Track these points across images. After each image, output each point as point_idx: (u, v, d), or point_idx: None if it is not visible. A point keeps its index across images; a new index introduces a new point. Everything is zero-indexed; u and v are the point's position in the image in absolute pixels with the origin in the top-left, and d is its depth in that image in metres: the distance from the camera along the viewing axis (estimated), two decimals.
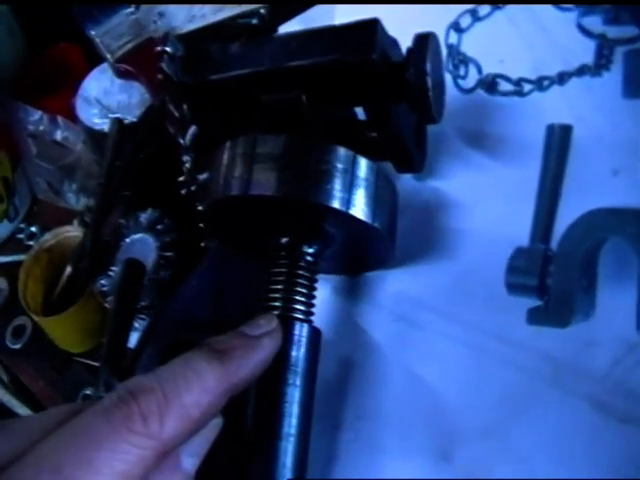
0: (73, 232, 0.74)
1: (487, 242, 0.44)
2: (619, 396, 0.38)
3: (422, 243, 0.45)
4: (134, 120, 0.69)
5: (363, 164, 0.39)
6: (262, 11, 0.73)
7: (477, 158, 0.47)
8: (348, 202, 0.38)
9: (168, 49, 0.42)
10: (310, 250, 0.41)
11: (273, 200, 0.38)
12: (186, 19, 0.81)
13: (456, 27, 0.50)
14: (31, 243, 0.79)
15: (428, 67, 0.39)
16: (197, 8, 0.81)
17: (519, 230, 0.43)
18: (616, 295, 0.40)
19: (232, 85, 0.42)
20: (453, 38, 0.50)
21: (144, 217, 0.68)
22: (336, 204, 0.38)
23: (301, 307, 0.40)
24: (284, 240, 0.41)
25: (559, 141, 0.44)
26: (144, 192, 0.72)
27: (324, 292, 0.46)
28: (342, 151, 0.38)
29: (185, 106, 0.46)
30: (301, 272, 0.40)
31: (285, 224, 0.41)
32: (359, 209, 0.38)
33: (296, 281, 0.40)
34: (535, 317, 0.40)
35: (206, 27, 0.79)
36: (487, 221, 0.44)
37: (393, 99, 0.40)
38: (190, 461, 0.32)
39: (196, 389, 0.32)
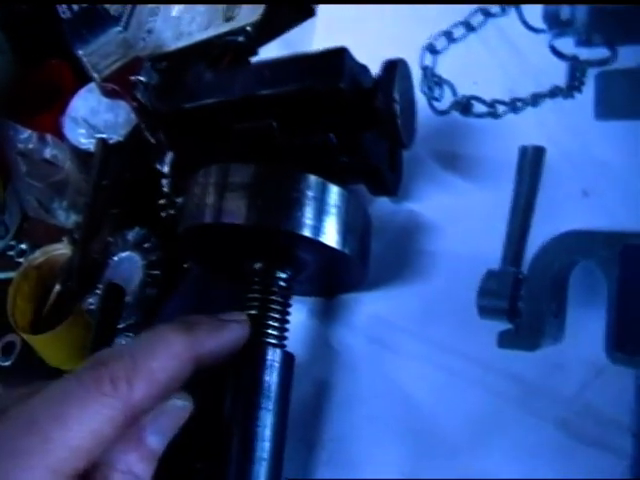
0: (62, 250, 0.75)
1: (459, 264, 0.44)
2: (588, 419, 0.38)
3: (396, 265, 0.46)
4: (120, 139, 0.70)
5: (333, 191, 0.39)
6: (248, 29, 0.74)
7: (451, 180, 0.47)
8: (318, 230, 0.38)
9: (142, 78, 0.42)
10: (283, 275, 0.42)
11: (244, 228, 0.39)
12: (174, 36, 0.82)
13: (431, 49, 0.50)
14: (21, 260, 0.80)
15: (396, 94, 0.39)
16: (185, 25, 0.82)
17: (491, 252, 0.43)
18: (585, 319, 0.40)
19: (204, 113, 0.43)
20: (428, 60, 0.50)
21: (131, 235, 0.69)
22: (306, 232, 0.38)
23: (274, 332, 0.40)
24: (257, 266, 0.41)
25: (531, 162, 0.45)
26: (131, 210, 0.73)
27: (300, 315, 0.46)
28: (312, 179, 0.39)
29: (161, 132, 0.47)
30: (274, 297, 0.41)
31: (258, 250, 0.41)
32: (329, 236, 0.39)
33: (269, 306, 0.41)
34: (505, 340, 0.41)
35: (193, 45, 0.80)
36: (459, 243, 0.45)
37: (363, 126, 0.41)
38: (155, 439, 0.33)
39: (163, 355, 0.34)
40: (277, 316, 0.41)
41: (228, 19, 0.78)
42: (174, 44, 0.78)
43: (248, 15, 0.74)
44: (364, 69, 0.42)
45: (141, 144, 0.69)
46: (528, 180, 0.44)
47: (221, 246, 0.43)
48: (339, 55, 0.39)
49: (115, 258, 0.68)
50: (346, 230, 0.40)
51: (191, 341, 0.35)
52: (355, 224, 0.41)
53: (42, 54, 0.87)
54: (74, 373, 0.32)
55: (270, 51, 0.58)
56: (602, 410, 0.38)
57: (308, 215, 0.38)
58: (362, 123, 0.41)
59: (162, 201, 0.57)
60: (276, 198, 0.38)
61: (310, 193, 0.39)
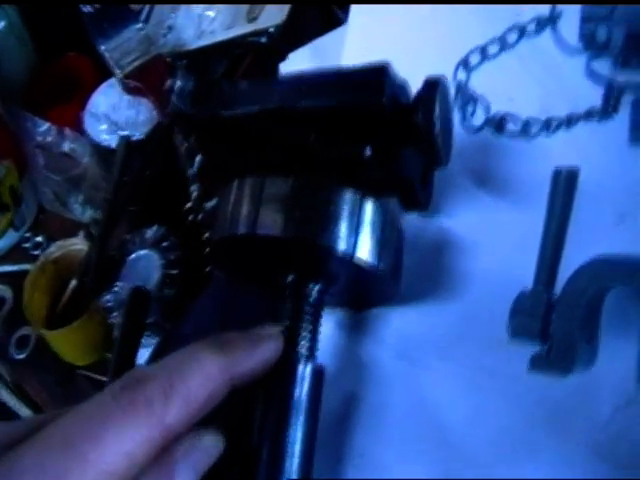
0: (79, 245, 0.74)
1: (491, 284, 0.44)
2: (620, 444, 0.38)
3: (427, 282, 0.46)
4: (141, 137, 0.69)
5: (369, 207, 0.39)
6: (271, 30, 0.74)
7: (483, 198, 0.47)
8: (354, 245, 0.38)
9: (179, 82, 0.42)
10: (315, 288, 0.41)
11: (279, 240, 0.39)
12: (195, 35, 0.81)
13: (465, 64, 0.50)
14: (37, 253, 0.79)
15: (436, 112, 0.39)
16: (206, 23, 0.81)
17: (523, 273, 0.43)
18: (618, 346, 0.40)
19: (241, 121, 0.42)
20: (462, 75, 0.50)
21: (150, 233, 0.68)
22: (342, 247, 0.38)
23: (305, 345, 0.40)
24: (290, 278, 0.41)
25: (565, 186, 0.44)
26: (150, 208, 0.73)
27: (328, 326, 0.46)
28: (349, 194, 0.39)
29: (193, 137, 0.46)
30: (306, 310, 0.41)
31: (291, 263, 0.41)
32: (364, 252, 0.38)
33: (301, 319, 0.40)
34: (537, 364, 0.40)
35: (214, 44, 0.79)
36: (492, 262, 0.44)
37: (401, 142, 0.40)
38: (185, 475, 0.32)
39: (199, 376, 0.33)
40: (309, 329, 0.40)
41: (251, 20, 0.78)
42: (195, 43, 0.78)
43: (272, 17, 0.73)
44: (404, 86, 0.41)
45: (162, 143, 0.69)
46: (561, 202, 0.44)
47: (254, 257, 0.43)
48: (381, 71, 0.38)
49: (133, 256, 0.68)
50: (381, 246, 0.39)
51: (227, 362, 0.34)
52: (389, 240, 0.40)
53: (62, 47, 0.86)
54: (109, 391, 0.31)
55: (300, 57, 0.57)
56: (635, 436, 0.37)
57: (344, 230, 0.38)
58: (400, 139, 0.40)
59: (189, 204, 0.56)
60: (312, 211, 0.38)
61: (346, 207, 0.38)
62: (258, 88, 0.42)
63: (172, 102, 0.41)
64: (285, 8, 0.73)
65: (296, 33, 0.69)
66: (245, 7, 0.77)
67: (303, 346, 0.40)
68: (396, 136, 0.40)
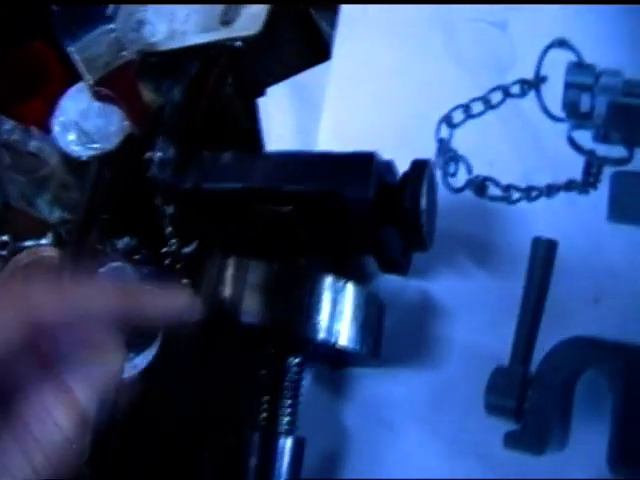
0: (49, 251, 0.73)
1: (468, 353, 0.45)
2: None
3: (406, 344, 0.46)
4: (112, 149, 0.68)
5: (351, 292, 0.40)
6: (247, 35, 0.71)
7: (462, 262, 0.47)
8: (334, 333, 0.39)
9: (159, 154, 0.41)
10: (295, 361, 0.42)
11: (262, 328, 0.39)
12: (167, 32, 0.78)
13: (448, 121, 0.50)
14: (3, 253, 0.78)
15: (423, 196, 0.39)
16: (179, 22, 0.78)
17: (500, 343, 0.44)
18: (590, 428, 0.41)
19: (222, 196, 0.42)
20: (444, 132, 0.50)
21: (121, 244, 0.68)
22: (324, 337, 0.38)
23: (286, 420, 0.41)
24: (270, 351, 0.42)
25: (544, 256, 0.45)
26: (122, 218, 0.72)
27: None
28: (330, 281, 0.39)
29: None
30: (286, 386, 0.41)
31: (271, 339, 0.41)
32: (346, 338, 0.39)
33: (281, 395, 0.41)
34: (511, 441, 0.42)
35: (187, 47, 0.77)
36: (469, 330, 0.45)
37: (384, 222, 0.41)
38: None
39: None
40: (289, 403, 0.41)
41: (225, 22, 0.75)
42: (167, 43, 0.75)
43: (247, 25, 0.71)
44: (389, 166, 0.41)
45: (134, 156, 0.67)
46: (539, 275, 0.45)
47: (235, 334, 0.43)
48: (367, 163, 0.39)
49: (105, 268, 0.67)
50: (363, 330, 0.40)
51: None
52: (371, 322, 0.41)
53: (25, 35, 0.83)
54: None
55: (278, 92, 0.56)
56: None
57: (325, 319, 0.38)
58: (384, 220, 0.40)
59: (165, 249, 0.56)
60: (293, 301, 0.38)
61: (328, 294, 0.39)
62: (241, 163, 0.41)
63: (152, 172, 0.41)
64: (261, 16, 0.70)
65: (274, 47, 0.67)
66: (220, 8, 0.74)
67: (283, 420, 0.41)
68: (380, 218, 0.40)
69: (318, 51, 0.58)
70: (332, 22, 0.58)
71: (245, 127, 0.60)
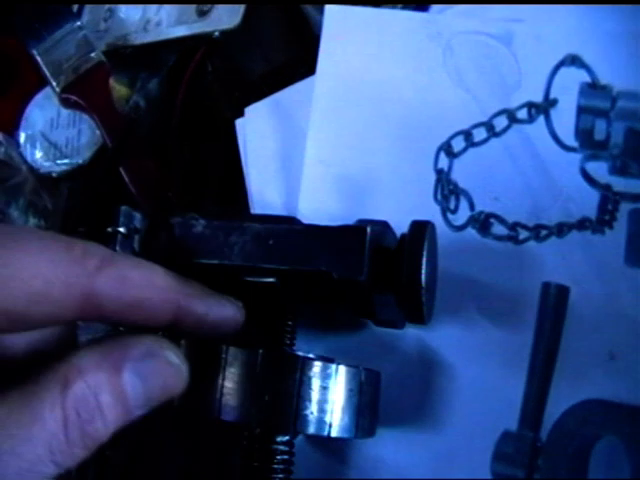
0: None
1: (473, 414, 0.41)
2: None
3: (402, 402, 0.43)
4: (84, 164, 0.63)
5: (343, 376, 0.35)
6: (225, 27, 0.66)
7: (466, 309, 0.43)
8: (328, 426, 0.35)
9: (121, 229, 0.36)
10: (284, 439, 0.38)
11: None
12: (140, 23, 0.73)
13: (447, 150, 0.45)
14: None
15: (423, 270, 0.35)
16: (153, 11, 0.72)
17: (508, 403, 0.41)
18: None
19: (196, 267, 0.37)
20: (443, 163, 0.45)
21: None
22: (312, 429, 0.34)
23: None
24: (256, 431, 0.38)
25: (554, 304, 0.41)
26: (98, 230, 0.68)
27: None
28: (320, 366, 0.35)
29: None
30: (276, 469, 0.37)
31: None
32: (338, 429, 0.35)
33: (271, 477, 0.37)
34: None
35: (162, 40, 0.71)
36: (473, 388, 0.42)
37: (379, 291, 0.36)
38: (131, 380, 0.30)
39: (147, 270, 0.32)
40: None
41: (201, 13, 0.70)
42: (141, 36, 0.70)
43: (225, 17, 0.66)
44: (384, 228, 0.37)
45: (108, 171, 0.63)
46: (550, 325, 0.41)
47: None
48: (360, 241, 0.34)
49: None
50: (358, 414, 0.36)
51: (181, 286, 0.33)
52: (366, 403, 0.37)
53: None
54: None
55: (257, 112, 0.51)
56: None
57: (314, 410, 0.34)
58: (379, 289, 0.36)
59: None
60: (278, 394, 0.34)
61: (317, 383, 0.35)
62: (216, 237, 0.37)
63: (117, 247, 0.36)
64: (240, 8, 0.64)
65: (255, 39, 0.62)
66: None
67: None
68: (374, 286, 0.36)
69: (304, 44, 0.53)
70: (321, 12, 0.53)
71: (227, 117, 0.57)
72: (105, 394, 0.29)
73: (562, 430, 0.39)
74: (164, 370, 0.31)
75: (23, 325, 0.30)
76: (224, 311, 0.35)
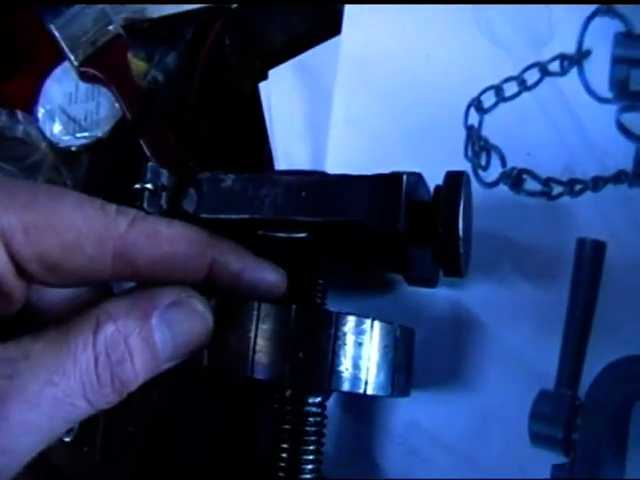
0: None
1: (509, 374, 0.41)
2: None
3: (437, 365, 0.42)
4: (104, 137, 0.62)
5: (377, 332, 0.35)
6: None
7: (498, 267, 0.42)
8: (363, 383, 0.34)
9: (148, 186, 0.36)
10: (317, 400, 0.37)
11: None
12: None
13: (478, 105, 0.44)
14: None
15: (460, 220, 0.34)
16: None
17: (545, 362, 0.40)
18: None
19: (226, 223, 0.36)
20: (474, 119, 0.44)
21: None
22: (348, 386, 0.34)
23: (309, 468, 0.37)
24: (288, 393, 0.37)
25: (591, 260, 0.40)
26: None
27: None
28: (354, 321, 0.34)
29: None
30: (307, 431, 0.37)
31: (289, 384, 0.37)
32: (374, 386, 0.34)
33: (303, 442, 0.37)
34: (560, 475, 0.38)
35: (179, 13, 0.70)
36: (508, 348, 0.41)
37: (415, 245, 0.35)
38: (160, 331, 0.31)
39: (178, 225, 0.33)
40: (312, 449, 0.37)
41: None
42: (158, 9, 0.69)
43: None
44: (419, 181, 0.36)
45: (128, 144, 0.62)
46: (586, 282, 0.40)
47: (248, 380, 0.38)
48: (396, 190, 0.33)
49: None
50: (394, 371, 0.35)
51: (215, 241, 0.34)
52: (401, 361, 0.36)
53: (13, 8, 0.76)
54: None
55: (282, 74, 0.50)
56: None
57: (349, 367, 0.34)
58: (415, 243, 0.35)
59: None
60: (315, 351, 0.33)
61: (353, 338, 0.34)
62: (245, 190, 0.36)
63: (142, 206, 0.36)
64: None
65: (274, 8, 0.61)
66: None
67: (306, 469, 0.37)
68: (411, 240, 0.35)
69: (323, 11, 0.52)
70: None
71: (247, 89, 0.56)
72: (134, 338, 0.30)
73: (601, 388, 0.38)
74: (191, 318, 0.32)
75: (60, 277, 0.31)
76: (263, 273, 0.35)
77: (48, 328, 0.29)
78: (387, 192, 0.33)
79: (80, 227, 0.30)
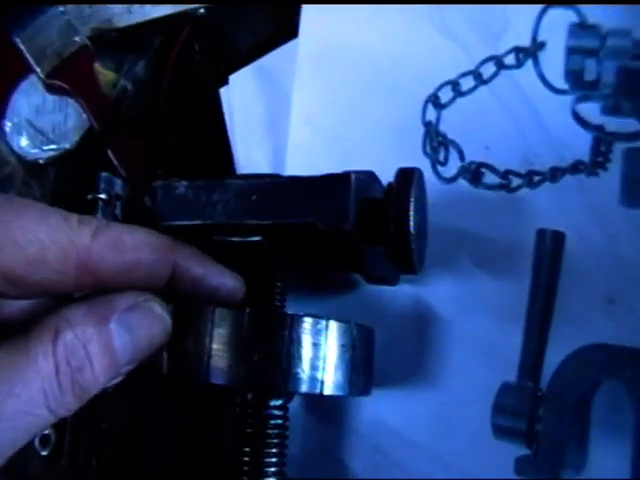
0: None
1: (472, 367, 0.41)
2: None
3: (399, 362, 0.42)
4: (71, 148, 0.62)
5: (334, 332, 0.35)
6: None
7: (459, 262, 0.43)
8: (320, 383, 0.34)
9: (102, 196, 0.36)
10: (278, 403, 0.37)
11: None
12: (124, 6, 0.72)
13: (435, 101, 0.44)
14: None
15: (411, 217, 0.34)
16: None
17: (507, 354, 0.40)
18: (609, 445, 0.37)
19: (180, 230, 0.37)
20: (431, 115, 0.44)
21: None
22: (305, 388, 0.34)
23: (272, 470, 0.37)
24: (249, 396, 0.37)
25: (550, 250, 0.41)
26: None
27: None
28: (310, 322, 0.34)
29: None
30: (270, 434, 0.37)
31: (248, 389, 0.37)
32: (332, 386, 0.35)
33: (265, 445, 0.37)
34: (523, 467, 0.38)
35: (147, 20, 0.71)
36: (471, 342, 0.41)
37: (368, 244, 0.36)
38: (119, 335, 0.31)
39: (139, 232, 0.33)
40: (274, 451, 0.37)
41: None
42: (125, 18, 0.69)
43: None
44: (371, 178, 0.36)
45: (95, 154, 0.62)
46: (546, 273, 0.41)
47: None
48: (344, 189, 0.33)
49: None
50: (350, 372, 0.35)
51: (177, 246, 0.34)
52: (360, 359, 0.36)
53: None
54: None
55: (241, 78, 0.50)
56: None
57: (305, 368, 0.34)
58: (367, 242, 0.35)
59: None
60: (268, 354, 0.33)
61: (308, 339, 0.34)
62: (198, 196, 0.36)
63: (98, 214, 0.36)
64: None
65: (240, 13, 0.62)
66: None
67: (270, 472, 0.37)
68: (363, 238, 0.35)
69: (289, 13, 0.52)
70: None
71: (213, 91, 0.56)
72: (93, 344, 0.30)
73: (562, 378, 0.38)
74: (149, 320, 0.32)
75: (22, 290, 0.31)
76: (222, 278, 0.35)
77: (7, 339, 0.29)
78: (336, 192, 0.34)
79: (43, 240, 0.30)
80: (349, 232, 0.33)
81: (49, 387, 0.29)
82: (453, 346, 0.41)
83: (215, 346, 0.33)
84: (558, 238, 0.41)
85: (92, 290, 0.33)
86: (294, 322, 0.34)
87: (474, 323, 0.41)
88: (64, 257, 0.31)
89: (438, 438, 0.40)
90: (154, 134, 0.61)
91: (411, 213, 0.34)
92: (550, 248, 0.41)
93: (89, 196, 0.36)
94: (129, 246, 0.32)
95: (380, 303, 0.43)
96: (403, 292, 0.43)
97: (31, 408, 0.28)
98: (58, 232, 0.31)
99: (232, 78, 0.51)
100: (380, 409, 0.42)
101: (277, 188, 0.35)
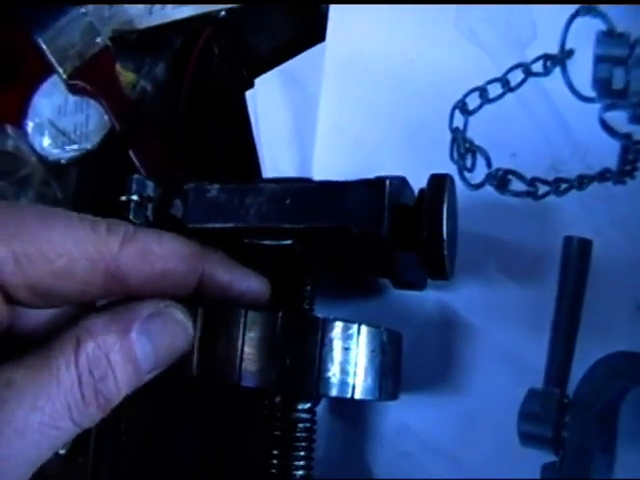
0: None
1: (498, 374, 0.41)
2: None
3: (426, 368, 0.43)
4: (93, 149, 0.63)
5: (365, 337, 0.35)
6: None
7: (484, 268, 0.43)
8: (351, 387, 0.34)
9: (134, 197, 0.36)
10: (306, 406, 0.38)
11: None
12: (145, 8, 0.72)
13: (462, 108, 0.45)
14: None
15: (444, 223, 0.35)
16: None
17: (533, 362, 0.40)
18: (635, 452, 0.38)
19: (212, 233, 0.37)
20: (459, 121, 0.45)
21: None
22: (335, 392, 0.34)
23: (299, 474, 0.37)
24: (277, 399, 0.38)
25: (577, 258, 0.41)
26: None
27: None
28: (341, 327, 0.34)
29: None
30: (298, 437, 0.37)
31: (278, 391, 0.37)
32: (362, 390, 0.35)
33: (293, 448, 0.37)
34: (549, 474, 0.38)
35: (167, 23, 0.71)
36: (496, 349, 0.41)
37: (400, 249, 0.36)
38: (141, 343, 0.31)
39: (170, 241, 0.33)
40: (303, 455, 0.38)
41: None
42: (146, 20, 0.70)
43: None
44: (403, 184, 0.37)
45: (117, 155, 0.63)
46: (573, 280, 0.41)
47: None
48: (379, 194, 0.34)
49: None
50: (380, 376, 0.36)
51: (204, 253, 0.34)
52: (389, 364, 0.37)
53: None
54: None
55: (268, 82, 0.51)
56: None
57: (336, 372, 0.34)
58: (399, 247, 0.36)
59: None
60: (301, 358, 0.34)
61: (339, 344, 0.34)
62: (230, 199, 0.36)
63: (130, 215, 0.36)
64: None
65: (261, 15, 0.62)
66: None
67: (297, 475, 0.37)
68: (395, 245, 0.36)
69: (310, 16, 0.53)
70: None
71: (234, 95, 0.57)
72: (115, 354, 0.30)
73: (589, 385, 0.39)
74: (171, 327, 0.33)
75: (50, 301, 0.31)
76: (249, 282, 0.35)
77: (29, 352, 0.29)
78: (370, 197, 0.34)
79: (71, 252, 0.30)
80: (384, 237, 0.34)
81: (72, 399, 0.29)
82: (479, 352, 0.42)
83: (247, 349, 0.34)
84: (585, 245, 0.41)
85: (119, 297, 0.33)
86: (326, 326, 0.34)
87: (500, 330, 0.42)
88: (92, 268, 0.31)
89: (463, 444, 0.41)
90: (174, 136, 0.61)
91: (444, 219, 0.35)
92: (577, 255, 0.41)
93: (122, 198, 0.37)
94: (158, 255, 0.32)
95: (406, 308, 0.43)
96: (429, 297, 0.43)
97: (55, 421, 0.28)
98: (86, 242, 0.31)
99: (258, 81, 0.51)
100: (405, 414, 0.42)
101: (310, 192, 0.36)
